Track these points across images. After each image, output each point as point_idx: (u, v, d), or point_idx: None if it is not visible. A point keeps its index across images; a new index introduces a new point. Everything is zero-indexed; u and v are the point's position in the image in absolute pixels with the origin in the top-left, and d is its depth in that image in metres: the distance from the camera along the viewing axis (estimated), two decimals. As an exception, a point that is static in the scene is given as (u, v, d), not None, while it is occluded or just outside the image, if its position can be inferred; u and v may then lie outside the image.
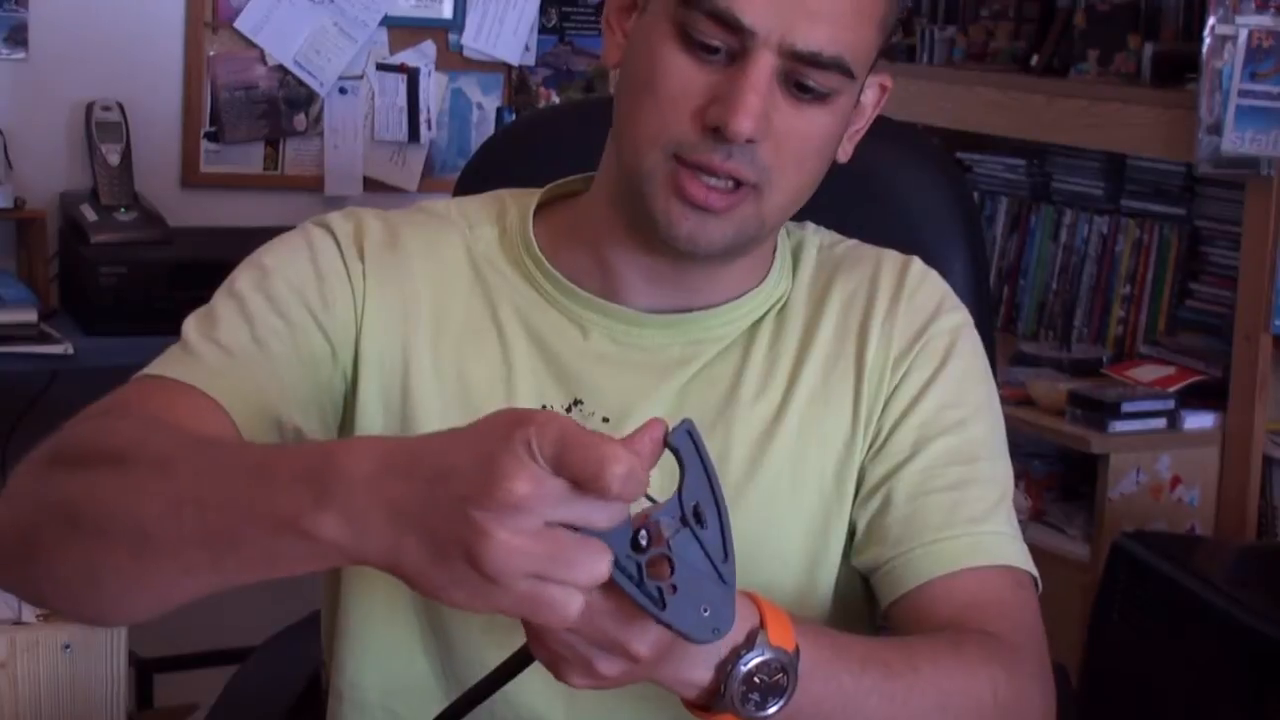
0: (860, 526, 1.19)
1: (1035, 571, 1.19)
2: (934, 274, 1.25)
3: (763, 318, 1.21)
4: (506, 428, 0.81)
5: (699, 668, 0.96)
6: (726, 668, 0.95)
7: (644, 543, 0.82)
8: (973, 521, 1.16)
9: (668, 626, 0.84)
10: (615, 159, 1.16)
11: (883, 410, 1.19)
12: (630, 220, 1.15)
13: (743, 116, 1.06)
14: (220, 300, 1.17)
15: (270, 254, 1.19)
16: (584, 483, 0.80)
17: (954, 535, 1.16)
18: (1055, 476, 3.10)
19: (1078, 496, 3.05)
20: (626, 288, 1.18)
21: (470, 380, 1.17)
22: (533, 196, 1.24)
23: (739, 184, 1.10)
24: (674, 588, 0.83)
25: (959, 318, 1.23)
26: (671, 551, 0.83)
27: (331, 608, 1.23)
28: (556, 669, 0.92)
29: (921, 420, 1.19)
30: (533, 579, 0.80)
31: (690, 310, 1.19)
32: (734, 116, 1.06)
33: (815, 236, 1.27)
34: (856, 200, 1.30)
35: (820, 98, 1.10)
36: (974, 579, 1.15)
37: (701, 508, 0.85)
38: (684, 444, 0.85)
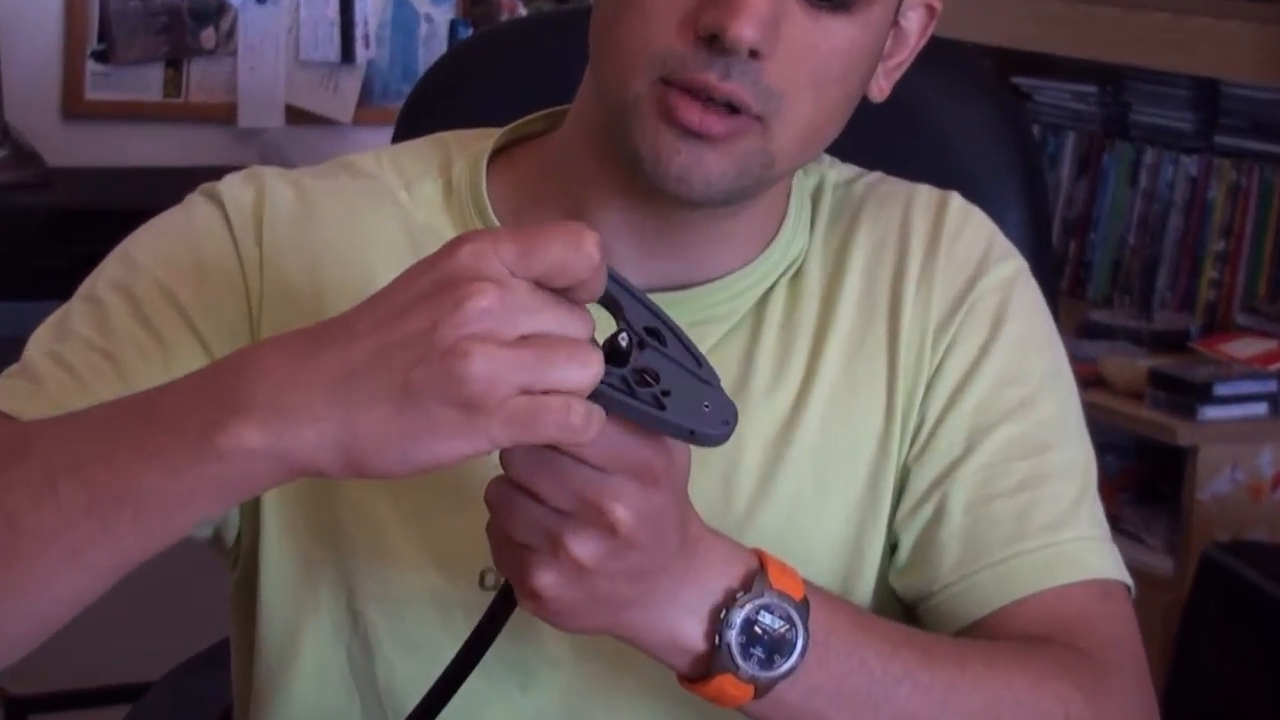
0: (906, 544, 1.18)
1: (1128, 579, 1.19)
2: (977, 212, 1.24)
3: (775, 284, 1.21)
4: (453, 246, 0.86)
5: (688, 614, 0.98)
6: (720, 613, 0.98)
7: (624, 349, 0.90)
8: (1049, 528, 1.16)
9: (675, 430, 0.91)
10: (593, 91, 1.15)
11: (925, 396, 1.19)
12: (614, 166, 1.14)
13: (743, 19, 1.05)
14: (76, 304, 1.15)
15: (142, 242, 1.17)
16: (560, 266, 0.86)
17: (1027, 550, 1.16)
18: (1132, 474, 3.11)
19: (1160, 498, 3.06)
20: (610, 260, 1.17)
21: None
22: (486, 141, 1.22)
23: (739, 112, 1.09)
24: (666, 392, 0.90)
25: (1010, 267, 1.23)
26: (647, 364, 0.91)
27: (244, 677, 1.22)
28: (524, 572, 0.93)
29: (975, 406, 1.18)
30: (524, 394, 0.84)
31: (689, 286, 1.18)
32: (733, 19, 1.05)
33: (832, 172, 1.26)
34: (887, 137, 1.28)
35: (844, 6, 1.09)
36: (1054, 597, 1.15)
37: (654, 328, 0.93)
38: (610, 286, 0.91)
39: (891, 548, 1.19)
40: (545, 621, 0.96)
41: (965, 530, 1.16)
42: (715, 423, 0.92)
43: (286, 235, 1.17)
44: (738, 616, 0.98)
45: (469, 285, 0.84)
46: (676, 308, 1.13)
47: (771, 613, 0.99)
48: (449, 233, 1.17)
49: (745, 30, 1.05)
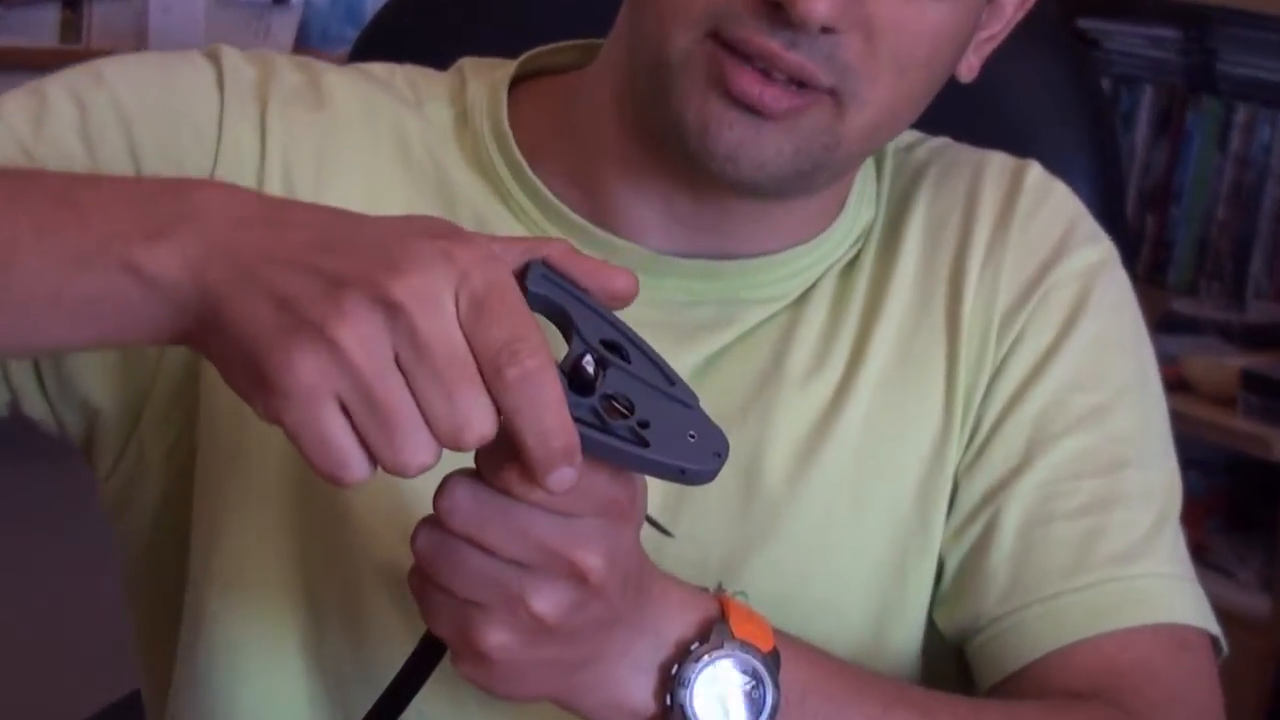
0: (950, 569, 1.19)
1: (1215, 628, 1.19)
2: (1061, 187, 1.26)
3: (831, 267, 1.22)
4: (470, 239, 0.87)
5: (635, 671, 0.99)
6: (672, 669, 0.98)
7: (590, 375, 0.89)
8: (1116, 560, 1.17)
9: (663, 470, 0.90)
10: (628, 40, 1.16)
11: (985, 396, 1.20)
12: (646, 132, 1.15)
13: None
14: (20, 93, 1.16)
15: (119, 64, 1.19)
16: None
17: (1088, 584, 1.16)
18: (1221, 496, 3.11)
19: (1254, 525, 3.06)
20: (631, 225, 1.19)
21: None
22: (504, 70, 1.24)
23: (805, 85, 1.09)
24: (644, 423, 0.90)
25: (1095, 253, 1.24)
26: (616, 389, 0.90)
27: (161, 644, 1.22)
28: (470, 631, 0.93)
29: (1039, 411, 1.19)
30: (338, 409, 0.85)
31: (731, 257, 1.20)
32: None
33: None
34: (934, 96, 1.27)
35: None
36: (1114, 643, 1.15)
37: (613, 341, 0.92)
38: (548, 290, 0.90)
39: (939, 574, 1.20)
40: (479, 687, 0.95)
41: (1016, 557, 1.17)
42: (705, 455, 0.91)
43: (291, 113, 1.18)
44: (692, 673, 0.98)
45: (436, 290, 0.85)
46: (717, 280, 1.19)
47: (735, 665, 0.99)
48: (458, 161, 1.20)
49: (816, 6, 1.05)
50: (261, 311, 0.85)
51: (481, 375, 0.85)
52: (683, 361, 1.15)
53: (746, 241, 1.19)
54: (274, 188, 1.16)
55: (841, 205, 1.22)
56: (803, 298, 1.21)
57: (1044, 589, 1.16)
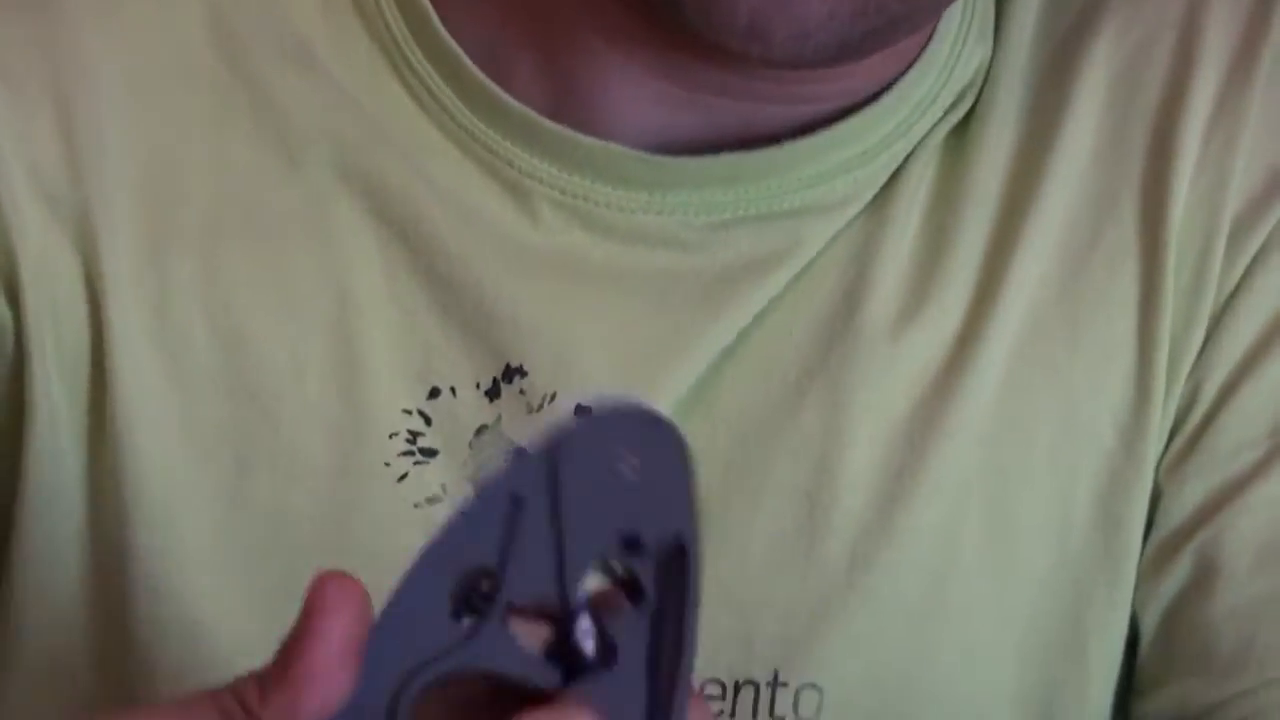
0: (1147, 628, 1.09)
1: None
2: None
3: (925, 140, 1.08)
4: None
5: None
6: None
7: None
8: None
9: None
10: None
11: (1205, 347, 1.07)
12: None
13: None
14: None
15: None
16: None
17: None
18: None
19: None
20: (606, 103, 1.06)
21: (247, 330, 1.06)
22: None
23: None
24: None
25: None
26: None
27: None
28: None
29: None
30: None
31: (764, 141, 1.05)
32: None
33: None
34: None
35: None
36: None
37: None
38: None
39: (1133, 642, 1.09)
40: None
41: (1254, 605, 1.07)
42: None
43: (8, 38, 1.04)
44: None
45: None
46: (743, 186, 1.05)
47: None
48: (320, 35, 1.05)
49: None
50: None
51: None
52: (711, 333, 1.05)
53: (786, 108, 1.05)
54: (14, 174, 1.03)
55: (933, 29, 1.07)
56: (885, 192, 1.07)
57: None
